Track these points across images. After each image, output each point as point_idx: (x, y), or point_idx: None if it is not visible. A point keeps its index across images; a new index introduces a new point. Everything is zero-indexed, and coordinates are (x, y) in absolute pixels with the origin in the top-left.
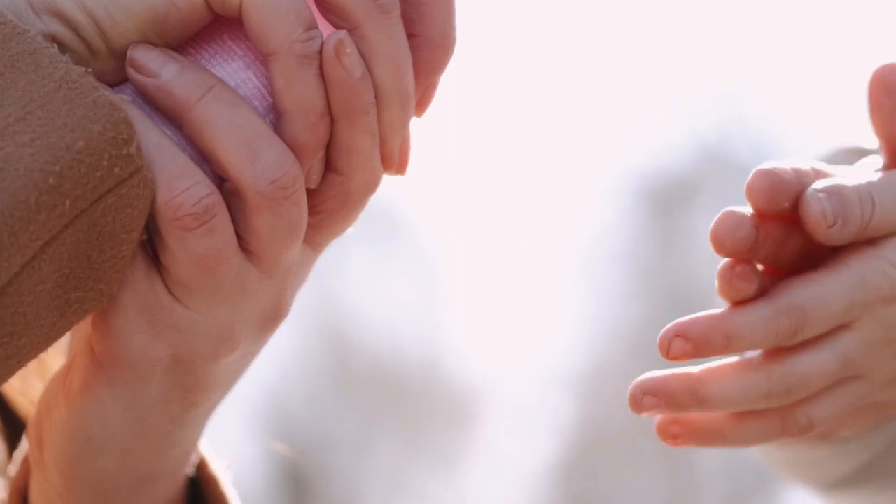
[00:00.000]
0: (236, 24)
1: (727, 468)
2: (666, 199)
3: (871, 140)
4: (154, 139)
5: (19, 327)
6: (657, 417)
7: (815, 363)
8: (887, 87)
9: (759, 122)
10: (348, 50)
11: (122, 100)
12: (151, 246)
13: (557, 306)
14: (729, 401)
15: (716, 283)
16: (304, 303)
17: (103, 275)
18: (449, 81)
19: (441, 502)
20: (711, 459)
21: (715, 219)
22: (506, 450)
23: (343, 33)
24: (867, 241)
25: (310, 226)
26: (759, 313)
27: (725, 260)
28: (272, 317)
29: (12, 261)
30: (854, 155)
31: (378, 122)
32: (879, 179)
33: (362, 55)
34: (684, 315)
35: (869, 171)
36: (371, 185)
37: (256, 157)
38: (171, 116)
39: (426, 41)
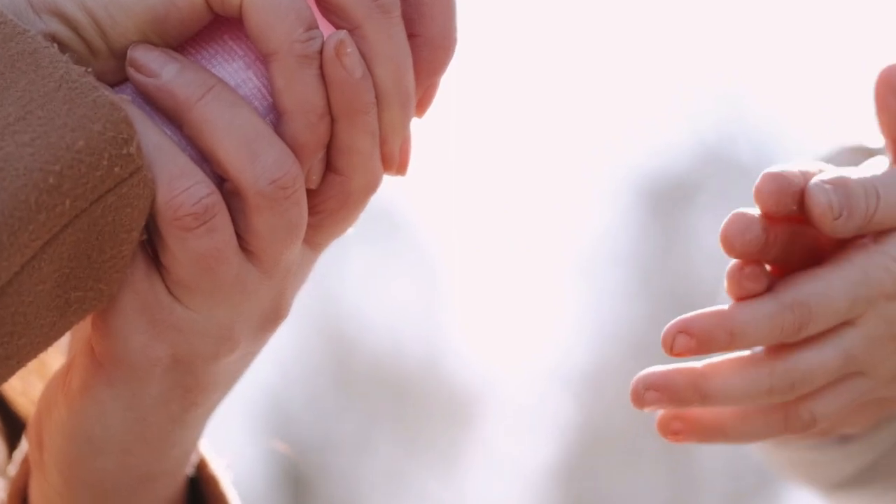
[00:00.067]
0: (237, 23)
1: (728, 468)
2: (666, 200)
3: (876, 139)
4: (154, 139)
5: (19, 327)
6: (658, 417)
7: (818, 359)
8: (894, 87)
9: (759, 121)
10: (349, 50)
11: (122, 99)
12: (151, 246)
13: (558, 306)
14: (731, 396)
15: (724, 282)
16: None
17: (103, 274)
18: (449, 82)
19: (441, 502)
20: (712, 459)
21: (725, 220)
22: (506, 450)
23: (343, 33)
24: (870, 237)
25: (310, 226)
26: (763, 309)
27: (733, 260)
28: (272, 317)
29: (12, 260)
30: (858, 154)
31: (378, 123)
32: (884, 173)
33: (363, 55)
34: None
35: (875, 168)
36: (371, 186)
37: (256, 157)
38: (171, 116)
39: (427, 41)
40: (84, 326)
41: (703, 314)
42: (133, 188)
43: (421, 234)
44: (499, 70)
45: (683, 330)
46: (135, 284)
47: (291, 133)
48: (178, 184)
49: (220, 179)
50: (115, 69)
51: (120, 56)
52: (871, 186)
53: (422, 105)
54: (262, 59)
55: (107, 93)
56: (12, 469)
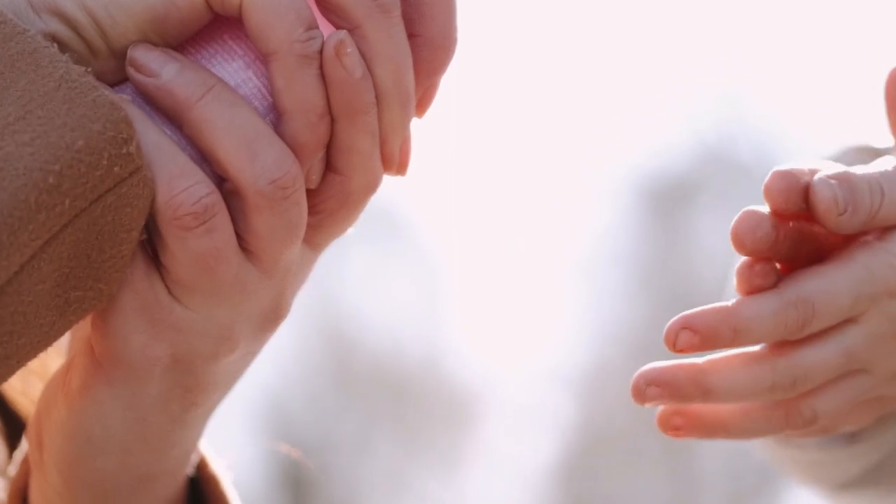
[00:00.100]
0: (237, 23)
1: (728, 468)
2: (667, 200)
3: (882, 139)
4: (154, 138)
5: (19, 326)
6: (658, 413)
7: (820, 356)
8: None
9: (759, 121)
10: (349, 50)
11: (122, 99)
12: (151, 245)
13: (558, 307)
14: (733, 392)
15: (733, 279)
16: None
17: (103, 274)
18: (449, 82)
19: (441, 502)
20: (712, 459)
21: (735, 218)
22: (506, 450)
23: (343, 33)
24: (874, 234)
25: (310, 226)
26: (767, 306)
27: (736, 260)
28: (272, 317)
29: (11, 260)
30: (865, 154)
31: (378, 123)
32: (888, 171)
33: (363, 55)
34: None
35: (879, 165)
36: (371, 186)
37: (256, 157)
38: (171, 116)
39: (427, 41)
40: (84, 326)
41: (706, 310)
42: (133, 188)
43: (421, 234)
44: (499, 70)
45: (687, 326)
46: (134, 284)
47: (291, 133)
48: (178, 183)
49: (220, 179)
50: (114, 69)
51: (120, 56)
52: (875, 183)
53: (422, 105)
54: (262, 58)
55: (106, 92)
56: (12, 469)
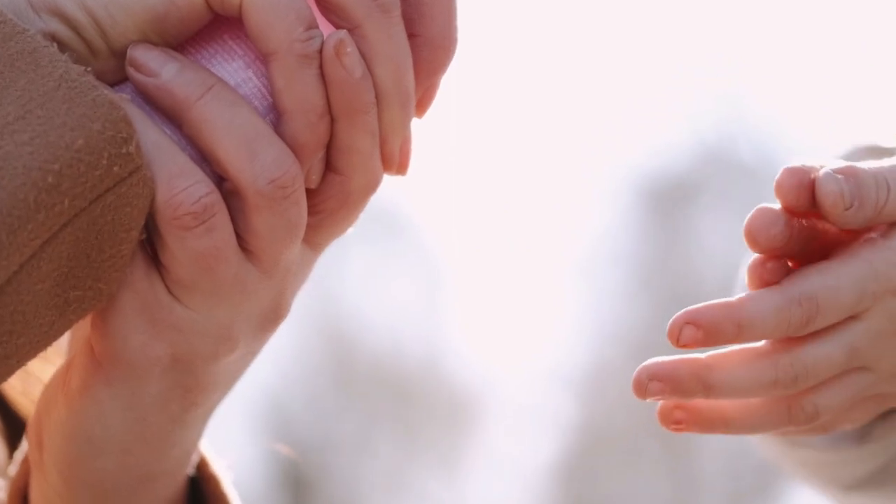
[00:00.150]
0: (236, 23)
1: (728, 469)
2: (667, 200)
3: (890, 138)
4: (153, 138)
5: (18, 326)
6: (659, 407)
7: (822, 352)
8: None
9: (759, 121)
10: (348, 49)
11: (122, 99)
12: (151, 245)
13: (558, 307)
14: (736, 388)
15: (744, 276)
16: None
17: (102, 274)
18: (449, 82)
19: (441, 503)
20: (712, 460)
21: (749, 215)
22: (506, 450)
23: (343, 33)
24: (878, 231)
25: (309, 226)
26: (772, 302)
27: (736, 260)
28: (272, 317)
29: (11, 259)
30: (873, 154)
31: (378, 122)
32: (894, 166)
33: (362, 55)
34: None
35: (886, 161)
36: (371, 186)
37: (256, 157)
38: (170, 115)
39: (427, 41)
40: (84, 326)
41: (710, 306)
42: (132, 187)
43: (421, 234)
44: (499, 70)
45: (691, 321)
46: (134, 284)
47: (291, 133)
48: (178, 183)
49: (220, 179)
50: (114, 68)
51: (120, 55)
52: (882, 178)
53: (422, 105)
54: (262, 58)
55: (106, 92)
56: (12, 469)
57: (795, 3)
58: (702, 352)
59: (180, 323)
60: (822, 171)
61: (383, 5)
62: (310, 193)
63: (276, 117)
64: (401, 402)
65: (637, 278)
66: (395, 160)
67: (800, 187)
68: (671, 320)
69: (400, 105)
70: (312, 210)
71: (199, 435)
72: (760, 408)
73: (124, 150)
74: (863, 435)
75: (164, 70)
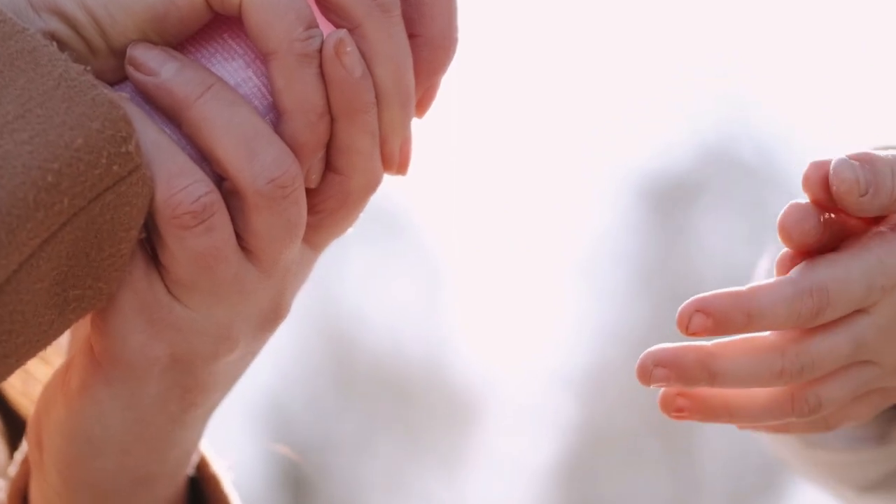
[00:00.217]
0: (236, 22)
1: (729, 469)
2: (668, 200)
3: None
4: (153, 137)
5: (17, 325)
6: (661, 394)
7: (829, 344)
8: None
9: (760, 121)
10: (348, 49)
11: (121, 98)
12: (150, 244)
13: (559, 307)
14: (741, 377)
15: (764, 271)
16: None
17: (102, 273)
18: (449, 82)
19: (442, 503)
20: (713, 460)
21: (782, 211)
22: (507, 450)
23: (343, 32)
24: (888, 225)
25: (309, 226)
26: (782, 293)
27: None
28: (271, 317)
29: (10, 259)
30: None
31: (378, 122)
32: None
33: (362, 54)
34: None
35: None
36: (371, 185)
37: (255, 156)
38: (170, 115)
39: (427, 41)
40: (83, 325)
41: (721, 294)
42: (132, 186)
43: (421, 234)
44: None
45: (700, 308)
46: (133, 283)
47: (291, 132)
48: (177, 182)
49: (220, 178)
50: (114, 68)
51: (119, 54)
52: None
53: (422, 105)
54: (262, 58)
55: (105, 91)
56: (12, 469)
57: (796, 3)
58: (707, 340)
59: (180, 323)
60: (836, 158)
61: (383, 5)
62: (309, 193)
63: (275, 117)
64: (401, 402)
65: (637, 278)
66: (395, 160)
67: (825, 180)
68: (681, 307)
69: (400, 105)
70: (312, 210)
71: (198, 435)
72: (763, 398)
73: (123, 149)
74: (882, 436)
75: (163, 69)
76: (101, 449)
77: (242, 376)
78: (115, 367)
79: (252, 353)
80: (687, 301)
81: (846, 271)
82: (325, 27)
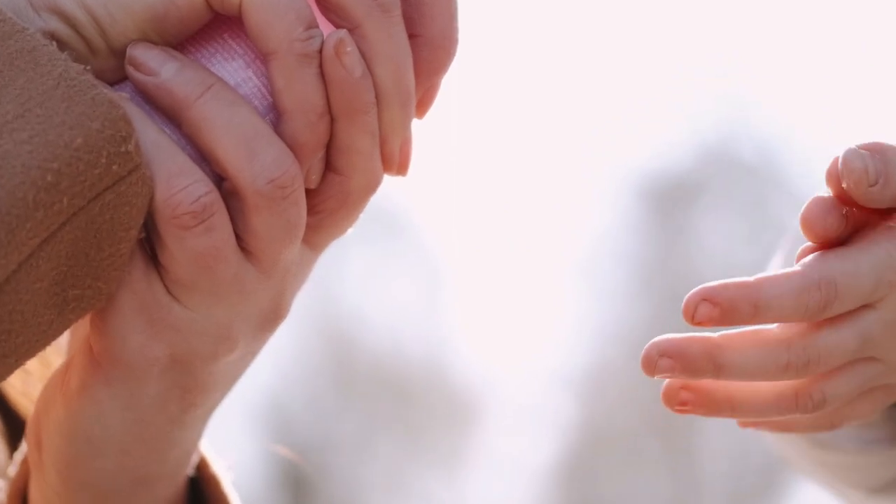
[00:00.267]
0: (236, 22)
1: (729, 469)
2: (668, 200)
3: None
4: (153, 137)
5: (17, 325)
6: (664, 386)
7: (835, 339)
8: None
9: (761, 121)
10: (348, 49)
11: (121, 97)
12: (150, 244)
13: (559, 307)
14: (746, 370)
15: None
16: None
17: (101, 273)
18: (450, 82)
19: (442, 503)
20: (713, 460)
21: (805, 205)
22: (507, 450)
23: (343, 32)
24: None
25: (309, 226)
26: (791, 285)
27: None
28: (271, 317)
29: (10, 258)
30: None
31: (378, 122)
32: None
33: (362, 54)
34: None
35: None
36: (371, 186)
37: (255, 156)
38: (170, 115)
39: (427, 41)
40: (83, 325)
41: (728, 284)
42: (131, 186)
43: (421, 234)
44: (499, 70)
45: (707, 298)
46: (133, 283)
47: (291, 132)
48: (177, 182)
49: (219, 178)
50: (114, 67)
51: (119, 54)
52: None
53: (422, 105)
54: (262, 58)
55: (105, 91)
56: (12, 470)
57: (796, 3)
58: (712, 332)
59: (179, 323)
60: (847, 148)
61: (383, 5)
62: (309, 193)
63: (275, 117)
64: (401, 402)
65: (637, 278)
66: (395, 160)
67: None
68: (687, 296)
69: (400, 105)
70: (312, 210)
71: (198, 436)
72: (768, 393)
73: (123, 149)
74: (893, 438)
75: (163, 69)
76: (101, 449)
77: (242, 376)
78: (115, 368)
79: (252, 354)
80: (693, 290)
81: (855, 265)
82: (325, 27)
